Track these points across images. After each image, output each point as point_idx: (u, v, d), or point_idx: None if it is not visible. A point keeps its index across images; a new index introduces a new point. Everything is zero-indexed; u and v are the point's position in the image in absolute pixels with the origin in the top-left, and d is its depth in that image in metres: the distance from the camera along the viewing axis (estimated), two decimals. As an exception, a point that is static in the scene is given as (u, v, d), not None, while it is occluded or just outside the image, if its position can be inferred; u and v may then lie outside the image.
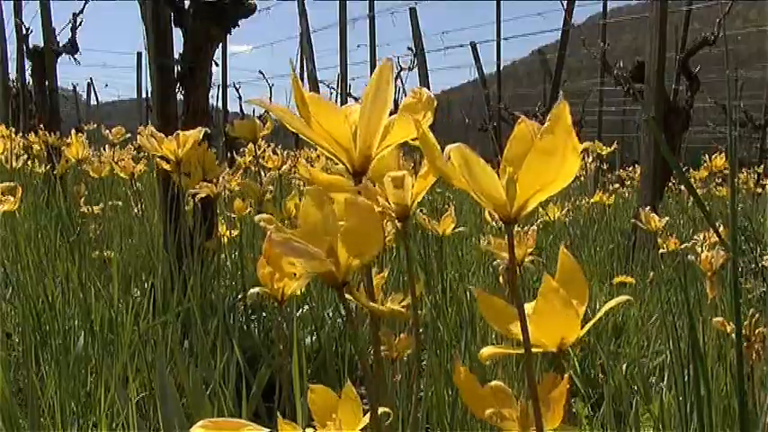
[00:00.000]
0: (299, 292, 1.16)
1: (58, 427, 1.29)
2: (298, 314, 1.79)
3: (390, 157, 0.68)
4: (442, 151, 0.53)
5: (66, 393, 1.33)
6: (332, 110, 0.58)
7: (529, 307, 0.62)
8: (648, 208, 2.64)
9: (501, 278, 1.50)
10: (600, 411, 1.45)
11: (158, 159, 1.88)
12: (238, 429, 0.52)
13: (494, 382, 0.65)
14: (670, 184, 5.44)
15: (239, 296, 1.99)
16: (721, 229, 2.27)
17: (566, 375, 0.62)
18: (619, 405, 1.50)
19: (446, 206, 2.54)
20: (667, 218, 2.61)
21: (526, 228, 1.47)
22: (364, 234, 0.53)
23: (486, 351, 0.65)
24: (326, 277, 0.54)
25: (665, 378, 1.51)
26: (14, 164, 3.43)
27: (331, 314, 1.95)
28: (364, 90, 0.59)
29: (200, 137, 1.69)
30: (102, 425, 1.22)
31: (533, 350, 0.62)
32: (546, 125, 0.51)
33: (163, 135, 1.72)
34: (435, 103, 0.59)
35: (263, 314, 1.94)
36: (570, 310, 0.61)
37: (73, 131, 3.12)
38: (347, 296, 0.57)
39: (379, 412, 0.58)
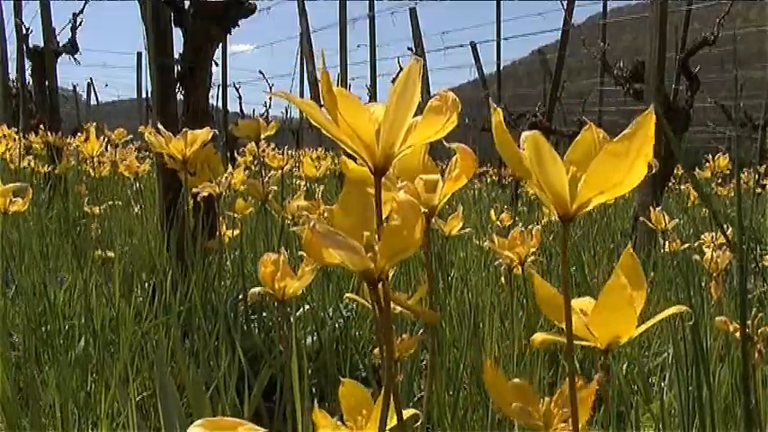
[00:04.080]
0: (299, 292, 1.16)
1: (59, 426, 1.29)
2: (298, 314, 1.79)
3: (414, 156, 0.68)
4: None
5: (67, 393, 1.33)
6: (357, 106, 0.58)
7: (582, 302, 0.62)
8: (660, 208, 2.63)
9: (503, 278, 1.50)
10: (600, 411, 1.45)
11: (166, 157, 1.87)
12: (235, 428, 0.52)
13: (516, 380, 0.65)
14: (670, 184, 5.44)
15: (240, 296, 1.99)
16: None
17: (596, 376, 0.62)
18: (619, 405, 1.50)
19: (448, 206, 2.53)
20: (676, 220, 2.62)
21: (530, 227, 1.47)
22: (409, 232, 0.53)
23: (538, 337, 0.65)
24: (364, 272, 0.54)
25: (666, 378, 1.51)
26: (17, 163, 3.43)
27: (331, 314, 1.95)
28: (391, 88, 0.59)
29: (209, 137, 1.69)
30: (103, 425, 1.22)
31: (581, 344, 0.63)
32: (628, 129, 0.51)
33: (171, 134, 1.71)
34: (460, 107, 0.59)
35: (264, 314, 1.94)
36: (631, 310, 0.61)
37: (92, 129, 3.11)
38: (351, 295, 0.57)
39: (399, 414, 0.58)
